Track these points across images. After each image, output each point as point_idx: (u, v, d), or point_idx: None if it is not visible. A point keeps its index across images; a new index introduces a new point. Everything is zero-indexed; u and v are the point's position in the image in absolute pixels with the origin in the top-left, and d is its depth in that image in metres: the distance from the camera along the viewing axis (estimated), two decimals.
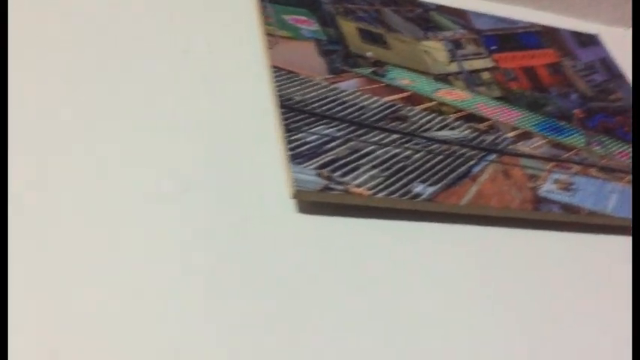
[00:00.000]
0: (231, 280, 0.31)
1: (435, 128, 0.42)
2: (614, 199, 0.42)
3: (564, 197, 0.41)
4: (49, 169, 0.32)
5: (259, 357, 0.29)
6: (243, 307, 0.30)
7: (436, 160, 0.40)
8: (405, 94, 0.44)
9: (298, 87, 0.41)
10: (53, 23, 0.39)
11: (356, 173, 0.37)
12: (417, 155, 0.39)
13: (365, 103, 0.42)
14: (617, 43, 0.60)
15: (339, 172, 0.36)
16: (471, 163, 0.40)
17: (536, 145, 0.44)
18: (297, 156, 0.36)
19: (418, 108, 0.43)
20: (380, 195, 0.36)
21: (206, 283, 0.31)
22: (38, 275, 0.28)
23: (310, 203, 0.36)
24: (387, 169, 0.38)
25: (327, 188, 0.35)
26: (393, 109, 0.42)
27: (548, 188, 0.41)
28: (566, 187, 0.42)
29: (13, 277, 0.28)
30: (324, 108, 0.40)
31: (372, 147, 0.39)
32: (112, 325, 0.28)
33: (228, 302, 0.30)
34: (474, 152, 0.41)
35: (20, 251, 0.29)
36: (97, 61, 0.38)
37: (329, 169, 0.36)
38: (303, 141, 0.37)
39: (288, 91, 0.40)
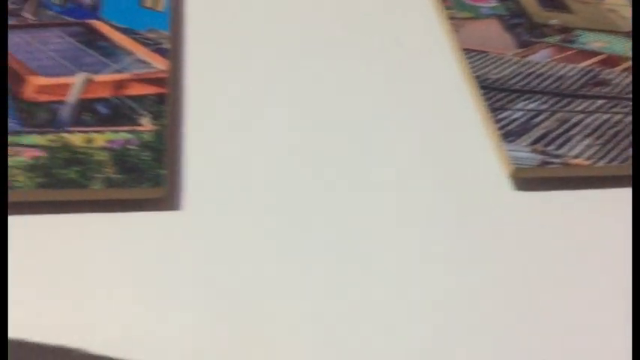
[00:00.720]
0: (463, 265, 0.32)
1: None
2: None
3: None
4: (282, 161, 0.35)
5: (490, 332, 0.30)
6: (478, 286, 0.31)
7: None
8: (600, 58, 0.42)
9: (492, 66, 0.41)
10: (261, 22, 0.42)
11: (570, 144, 0.36)
12: (628, 118, 0.38)
13: (561, 72, 0.41)
14: None
15: (553, 146, 0.36)
16: None
17: None
18: (508, 134, 0.36)
19: (617, 69, 0.42)
20: (600, 164, 0.35)
21: (434, 271, 0.32)
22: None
23: (527, 180, 0.36)
24: (601, 136, 0.37)
25: (545, 163, 0.35)
26: (592, 74, 0.41)
27: None
28: None
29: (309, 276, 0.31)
30: (522, 83, 0.40)
31: (580, 116, 0.38)
32: (360, 311, 0.30)
33: (461, 287, 0.31)
34: None
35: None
36: (299, 59, 0.41)
37: (542, 143, 0.36)
38: (510, 119, 0.37)
39: (483, 71, 0.40)
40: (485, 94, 0.39)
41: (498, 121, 0.37)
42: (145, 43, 0.39)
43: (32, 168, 0.31)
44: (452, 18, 0.44)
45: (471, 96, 0.40)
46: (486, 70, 0.41)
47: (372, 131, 0.38)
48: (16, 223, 0.31)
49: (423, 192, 0.35)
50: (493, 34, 0.44)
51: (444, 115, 0.39)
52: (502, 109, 0.38)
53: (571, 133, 0.37)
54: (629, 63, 0.42)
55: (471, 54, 0.42)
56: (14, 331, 0.28)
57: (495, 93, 0.39)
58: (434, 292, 0.31)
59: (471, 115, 0.39)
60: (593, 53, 0.43)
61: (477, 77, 0.40)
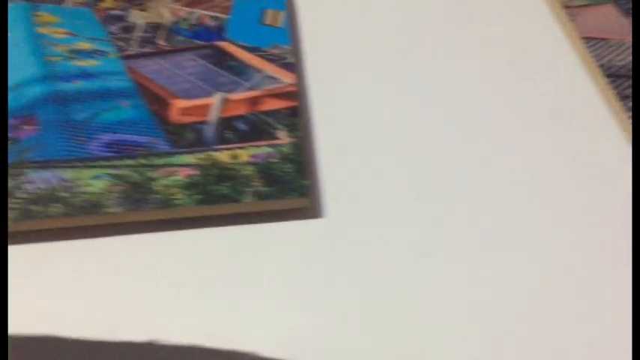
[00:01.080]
0: (602, 261, 0.32)
1: None
2: None
3: None
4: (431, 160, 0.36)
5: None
6: (617, 282, 0.31)
7: None
8: None
9: (615, 53, 0.40)
10: (370, 25, 0.43)
11: None
12: None
13: None
14: None
15: None
16: None
17: None
18: None
19: None
20: None
21: (575, 266, 0.32)
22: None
23: None
24: None
25: None
26: None
27: None
28: None
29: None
30: None
31: None
32: (507, 307, 0.31)
33: (601, 282, 0.32)
34: None
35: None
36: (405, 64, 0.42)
37: None
38: None
39: (607, 58, 0.40)
40: (612, 82, 0.38)
41: (629, 109, 0.37)
42: (271, 59, 0.40)
43: (188, 186, 0.34)
44: (566, 7, 0.44)
45: (596, 85, 0.40)
46: (610, 57, 0.40)
47: (502, 129, 0.38)
48: (177, 238, 0.34)
49: (559, 188, 0.35)
50: (611, 20, 0.43)
51: (571, 106, 0.39)
52: (631, 97, 0.38)
53: None
54: None
55: (592, 42, 0.41)
56: (186, 337, 0.30)
57: (622, 80, 0.39)
58: (575, 286, 0.31)
59: (598, 104, 0.39)
60: None
61: (601, 66, 0.39)
